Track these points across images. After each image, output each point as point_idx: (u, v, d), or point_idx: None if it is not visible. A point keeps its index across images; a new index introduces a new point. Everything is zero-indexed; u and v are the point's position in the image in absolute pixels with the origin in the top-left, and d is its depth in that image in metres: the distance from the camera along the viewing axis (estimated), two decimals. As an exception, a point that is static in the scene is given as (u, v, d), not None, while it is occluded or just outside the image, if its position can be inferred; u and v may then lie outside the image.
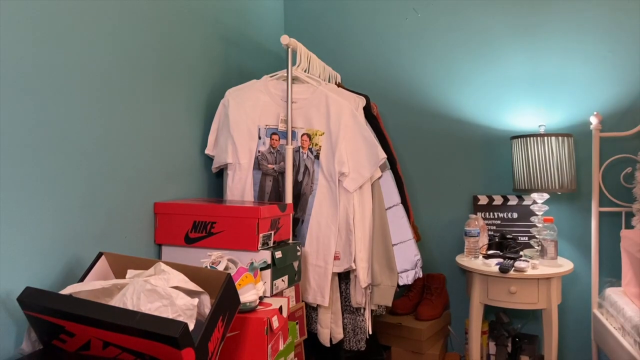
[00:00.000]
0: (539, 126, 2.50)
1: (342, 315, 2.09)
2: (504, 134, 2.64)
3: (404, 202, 2.16)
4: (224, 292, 1.22)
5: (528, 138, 2.33)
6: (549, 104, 2.56)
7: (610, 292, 2.30)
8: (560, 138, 2.29)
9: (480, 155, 2.68)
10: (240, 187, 2.00)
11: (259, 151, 2.02)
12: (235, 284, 1.36)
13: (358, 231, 1.97)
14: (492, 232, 2.59)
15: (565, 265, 2.26)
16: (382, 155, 1.95)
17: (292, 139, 1.97)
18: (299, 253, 1.81)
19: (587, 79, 2.50)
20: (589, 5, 2.49)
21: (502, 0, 2.62)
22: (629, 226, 2.37)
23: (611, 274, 2.45)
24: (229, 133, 1.98)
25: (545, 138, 2.29)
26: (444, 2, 2.72)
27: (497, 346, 2.47)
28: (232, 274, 1.39)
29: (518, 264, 2.18)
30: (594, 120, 2.40)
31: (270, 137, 2.02)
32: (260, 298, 1.54)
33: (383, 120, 2.75)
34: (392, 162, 2.17)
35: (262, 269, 1.59)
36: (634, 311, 1.99)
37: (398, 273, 2.06)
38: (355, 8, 2.88)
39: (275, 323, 1.44)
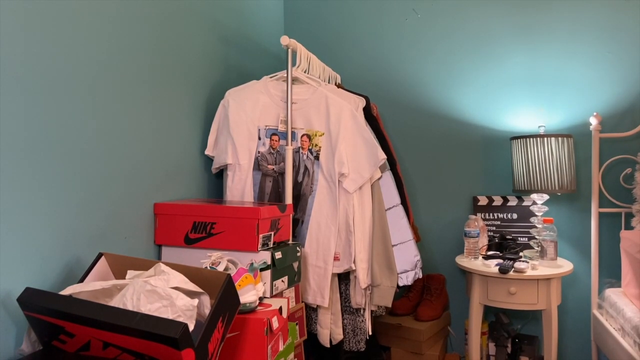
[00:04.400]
0: (539, 127, 2.50)
1: (342, 315, 2.09)
2: (503, 134, 2.64)
3: (403, 202, 2.16)
4: (223, 293, 1.22)
5: (528, 139, 2.33)
6: (548, 104, 2.56)
7: (610, 292, 2.30)
8: (559, 139, 2.29)
9: (480, 156, 2.68)
10: (240, 188, 2.00)
11: (258, 152, 2.02)
12: (235, 284, 1.36)
13: (358, 232, 1.97)
14: (491, 233, 2.59)
15: (565, 266, 2.26)
16: (382, 156, 1.95)
17: (292, 140, 1.97)
18: (298, 254, 1.81)
19: (587, 79, 2.51)
20: (589, 5, 2.49)
21: (501, 1, 2.63)
22: (629, 227, 2.37)
23: (611, 274, 2.44)
24: (228, 134, 1.99)
25: (545, 139, 2.29)
26: (444, 3, 2.72)
27: (497, 347, 2.47)
28: (232, 275, 1.39)
29: (518, 264, 2.18)
30: (593, 121, 2.40)
31: (270, 138, 2.02)
32: (260, 299, 1.54)
33: (383, 121, 2.75)
34: (391, 163, 2.18)
35: (262, 269, 1.59)
36: (633, 312, 1.99)
37: (398, 274, 2.06)
38: (355, 8, 2.89)
39: (275, 324, 1.44)
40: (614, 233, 2.43)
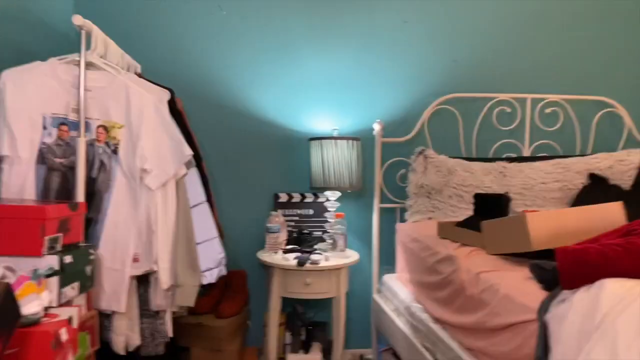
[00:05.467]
0: (333, 130, 2.73)
1: (140, 320, 1.97)
2: (303, 135, 2.80)
3: (209, 200, 2.14)
4: (1, 305, 1.05)
5: (323, 140, 2.53)
6: (341, 109, 2.81)
7: (387, 278, 2.63)
8: (349, 141, 2.54)
9: (281, 155, 2.80)
10: (19, 184, 1.73)
11: (43, 143, 1.77)
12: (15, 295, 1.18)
13: (161, 231, 1.87)
14: (291, 228, 2.73)
15: (352, 256, 2.51)
16: (189, 152, 1.90)
17: (85, 131, 1.79)
18: (92, 257, 1.66)
19: (372, 88, 2.83)
20: (380, 16, 2.80)
21: (301, 3, 2.76)
22: (403, 220, 2.73)
23: (390, 262, 2.75)
24: (4, 121, 1.71)
25: (338, 141, 2.52)
26: (249, 2, 2.75)
27: (293, 336, 2.62)
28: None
29: (313, 257, 2.34)
30: (376, 127, 2.72)
31: (58, 128, 1.80)
32: (46, 309, 1.37)
33: (187, 117, 2.67)
34: (197, 160, 2.13)
35: (47, 276, 1.41)
36: (405, 294, 2.31)
37: (202, 272, 2.03)
38: (158, -4, 2.73)
39: (64, 335, 1.30)
40: (393, 225, 2.76)
